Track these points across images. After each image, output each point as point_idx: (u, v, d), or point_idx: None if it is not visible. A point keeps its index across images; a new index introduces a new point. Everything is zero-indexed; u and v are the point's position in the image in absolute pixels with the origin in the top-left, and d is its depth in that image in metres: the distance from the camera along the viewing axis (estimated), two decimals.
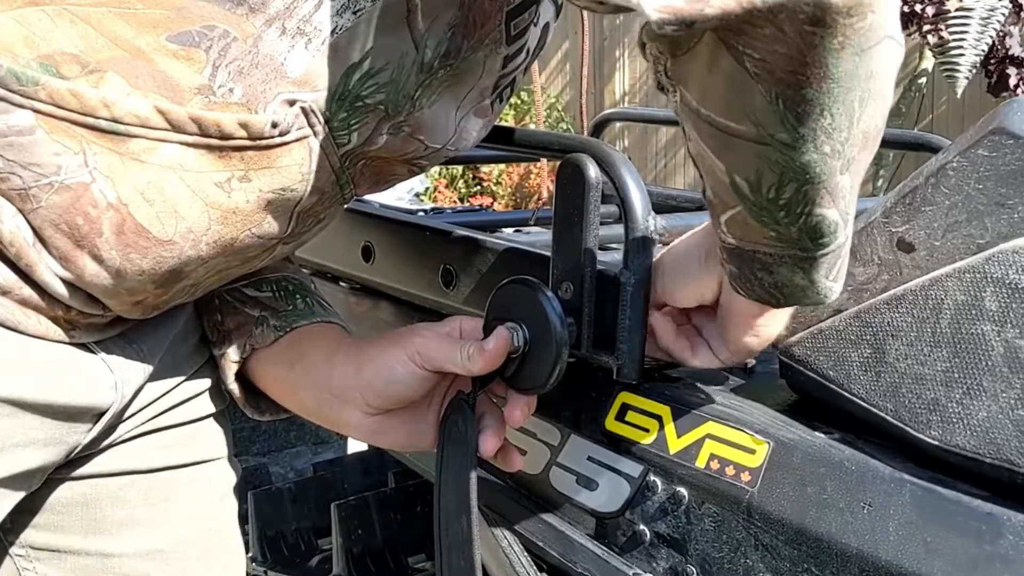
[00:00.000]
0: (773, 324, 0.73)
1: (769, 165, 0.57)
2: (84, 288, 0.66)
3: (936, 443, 0.63)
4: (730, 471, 0.71)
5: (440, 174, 5.28)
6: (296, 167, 0.67)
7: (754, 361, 0.84)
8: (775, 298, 0.68)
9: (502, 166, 5.34)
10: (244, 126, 0.63)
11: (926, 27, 3.30)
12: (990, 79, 3.49)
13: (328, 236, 0.90)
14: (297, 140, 0.66)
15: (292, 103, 0.64)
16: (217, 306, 0.82)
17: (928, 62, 3.81)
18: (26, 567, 0.78)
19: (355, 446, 1.93)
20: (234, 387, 0.82)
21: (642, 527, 0.76)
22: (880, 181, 3.89)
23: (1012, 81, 3.42)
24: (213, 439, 0.85)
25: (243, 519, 1.35)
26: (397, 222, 1.10)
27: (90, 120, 0.60)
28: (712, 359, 0.77)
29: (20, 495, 0.71)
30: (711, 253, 0.72)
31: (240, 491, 0.89)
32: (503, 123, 1.09)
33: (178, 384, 0.80)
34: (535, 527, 0.83)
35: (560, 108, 5.99)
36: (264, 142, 0.64)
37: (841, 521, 0.64)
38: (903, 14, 3.20)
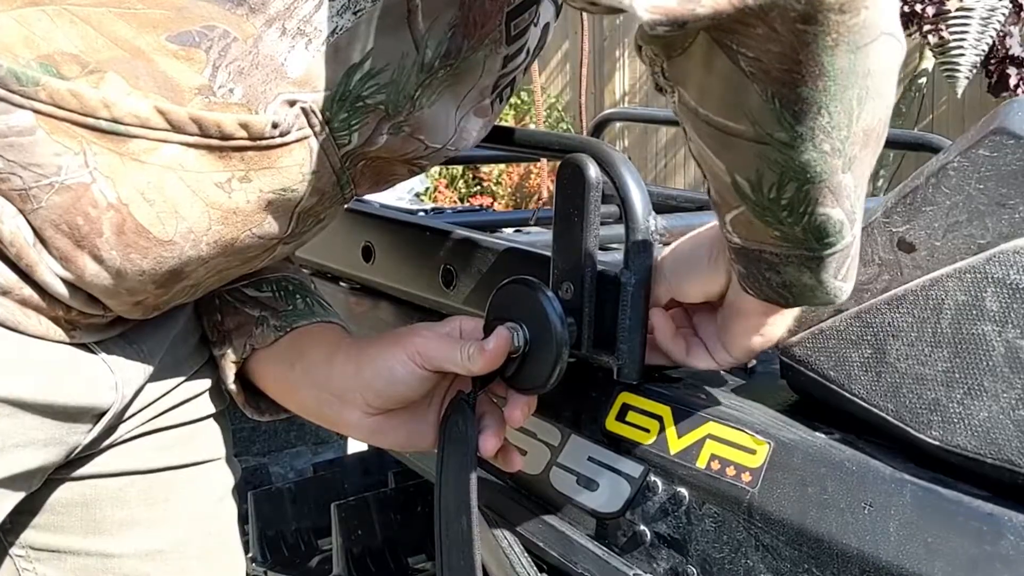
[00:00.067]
0: (779, 325, 0.73)
1: (769, 164, 0.57)
2: (84, 288, 0.66)
3: (937, 443, 0.63)
4: (731, 471, 0.71)
5: (440, 174, 5.28)
6: (296, 167, 0.67)
7: (755, 361, 0.84)
8: (784, 298, 0.68)
9: (502, 166, 5.34)
10: (244, 126, 0.63)
11: (926, 27, 3.31)
12: (990, 79, 3.49)
13: (328, 236, 0.90)
14: (297, 140, 0.66)
15: (292, 103, 0.64)
16: (217, 306, 0.82)
17: (928, 62, 3.81)
18: (26, 567, 0.78)
19: (355, 446, 1.93)
20: (234, 387, 0.82)
21: (642, 527, 0.76)
22: (880, 181, 3.89)
23: (1012, 81, 3.42)
24: (213, 439, 0.85)
25: (243, 519, 1.34)
26: (397, 222, 1.10)
27: (90, 120, 0.60)
28: (708, 360, 0.77)
29: (20, 495, 0.71)
30: (720, 250, 0.72)
31: (240, 491, 0.89)
32: (503, 123, 1.09)
33: (178, 384, 0.80)
34: (535, 527, 0.83)
35: (560, 108, 6.00)
36: (264, 142, 0.64)
37: (842, 521, 0.64)
38: (903, 14, 3.20)
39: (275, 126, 0.64)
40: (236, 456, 0.89)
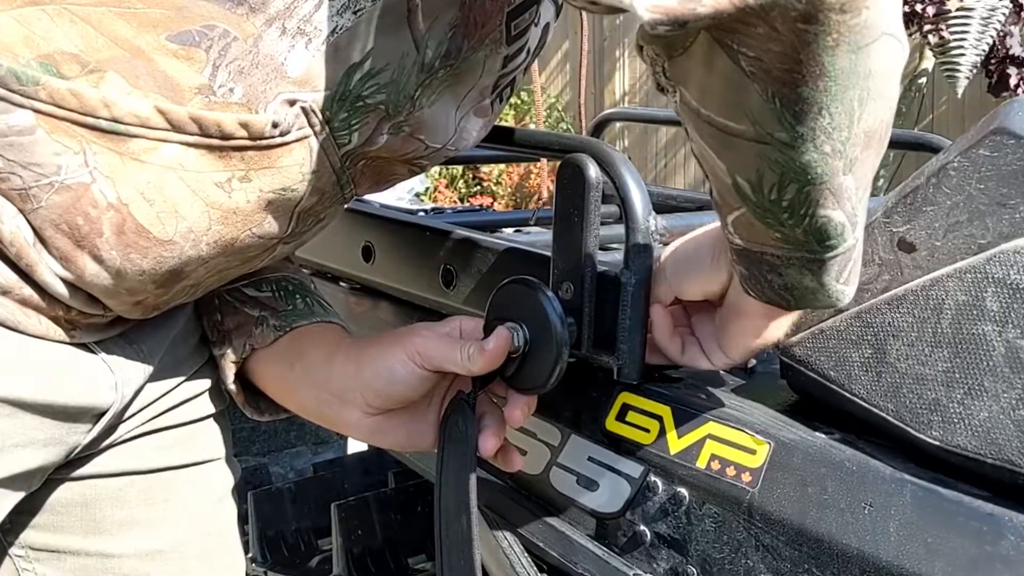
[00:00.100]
0: (778, 328, 0.73)
1: (769, 165, 0.57)
2: (84, 288, 0.66)
3: (937, 443, 0.63)
4: (731, 471, 0.71)
5: (440, 174, 5.28)
6: (296, 167, 0.67)
7: (755, 361, 0.84)
8: (785, 300, 0.68)
9: (502, 166, 5.34)
10: (244, 126, 0.63)
11: (927, 27, 3.30)
12: (991, 79, 3.49)
13: (328, 236, 0.90)
14: (298, 140, 0.66)
15: (292, 103, 0.64)
16: (217, 306, 0.82)
17: (928, 62, 3.81)
18: (26, 568, 0.78)
19: (355, 446, 1.93)
20: (234, 387, 0.82)
21: (643, 528, 0.76)
22: (880, 181, 3.89)
23: (1012, 81, 3.42)
24: (213, 439, 0.85)
25: (243, 519, 1.34)
26: (397, 222, 1.10)
27: (90, 120, 0.60)
28: (703, 360, 0.77)
29: (20, 495, 0.71)
30: (722, 251, 0.72)
31: (240, 491, 0.89)
32: (503, 123, 1.09)
33: (178, 384, 0.80)
34: (535, 527, 0.83)
35: (560, 108, 6.00)
36: (264, 142, 0.64)
37: (842, 522, 0.64)
38: (903, 14, 3.20)
39: (275, 126, 0.64)
40: (236, 456, 0.89)
